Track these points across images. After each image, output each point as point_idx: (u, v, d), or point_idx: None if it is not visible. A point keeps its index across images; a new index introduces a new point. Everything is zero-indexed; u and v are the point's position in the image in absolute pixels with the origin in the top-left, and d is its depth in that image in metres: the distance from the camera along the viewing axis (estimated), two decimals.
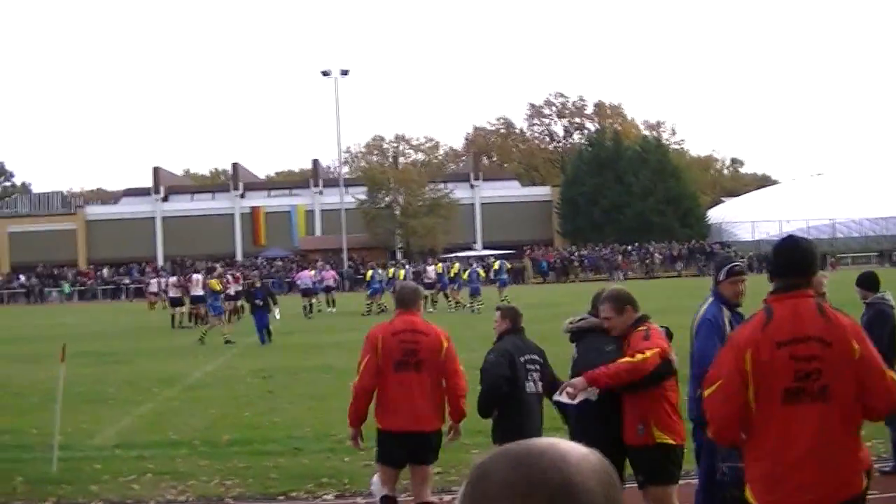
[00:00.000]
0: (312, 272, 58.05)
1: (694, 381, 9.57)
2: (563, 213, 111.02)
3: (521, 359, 10.64)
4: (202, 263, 74.55)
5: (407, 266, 68.41)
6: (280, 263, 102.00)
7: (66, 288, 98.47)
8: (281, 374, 26.56)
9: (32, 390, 24.22)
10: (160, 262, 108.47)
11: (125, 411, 20.85)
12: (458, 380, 10.71)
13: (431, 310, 48.08)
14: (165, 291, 54.93)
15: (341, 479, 13.98)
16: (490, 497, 2.01)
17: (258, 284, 40.96)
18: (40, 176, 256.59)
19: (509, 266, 61.82)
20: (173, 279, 52.48)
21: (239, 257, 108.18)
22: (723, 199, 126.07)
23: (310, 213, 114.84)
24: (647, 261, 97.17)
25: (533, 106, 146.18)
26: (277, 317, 39.93)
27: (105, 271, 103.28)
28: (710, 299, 9.94)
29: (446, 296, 54.32)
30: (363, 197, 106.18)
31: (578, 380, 9.16)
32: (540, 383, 10.75)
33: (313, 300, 54.01)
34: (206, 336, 37.67)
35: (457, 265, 56.71)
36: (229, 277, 48.62)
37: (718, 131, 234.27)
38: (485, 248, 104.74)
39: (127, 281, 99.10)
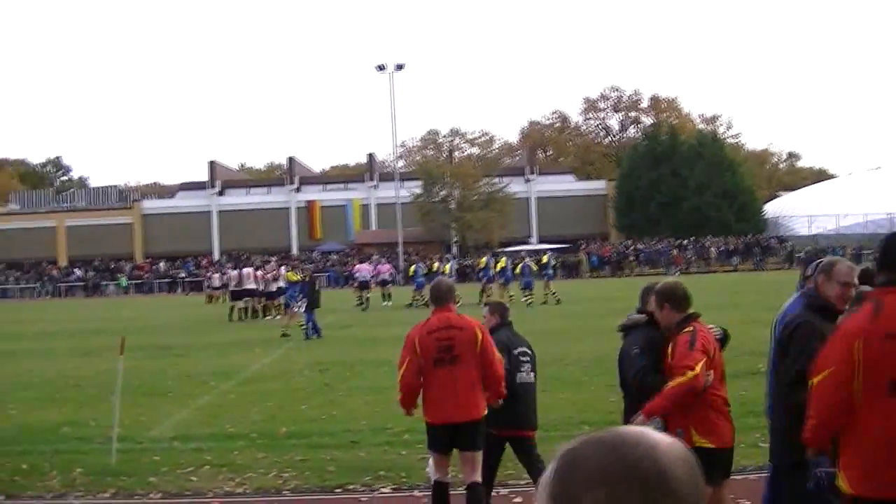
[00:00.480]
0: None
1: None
2: (618, 208, 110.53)
3: (515, 351, 11.71)
4: (258, 257, 74.95)
5: (452, 260, 68.12)
6: (335, 257, 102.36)
7: (123, 281, 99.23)
8: (338, 367, 26.63)
9: (91, 383, 24.43)
10: (216, 255, 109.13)
11: (183, 404, 20.98)
12: (496, 368, 10.96)
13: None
14: (226, 285, 54.83)
15: (398, 472, 14.00)
16: (581, 483, 2.01)
17: (306, 279, 38.93)
18: (97, 170, 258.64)
19: (555, 262, 60.98)
20: (234, 273, 52.53)
21: (294, 251, 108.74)
22: (779, 193, 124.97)
23: (365, 207, 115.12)
24: (691, 256, 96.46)
25: (588, 100, 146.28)
26: (297, 310, 38.61)
27: (161, 265, 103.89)
28: (796, 295, 9.76)
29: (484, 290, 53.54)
30: (419, 191, 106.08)
31: (639, 419, 9.10)
32: (532, 373, 11.80)
33: (369, 294, 54.13)
34: (287, 329, 37.80)
35: (503, 259, 56.14)
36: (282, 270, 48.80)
37: (775, 125, 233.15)
38: (540, 242, 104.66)
39: (183, 274, 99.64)
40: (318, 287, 38.81)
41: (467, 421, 10.88)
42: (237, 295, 49.07)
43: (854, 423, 6.43)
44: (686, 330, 9.11)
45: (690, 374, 8.73)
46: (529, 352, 11.87)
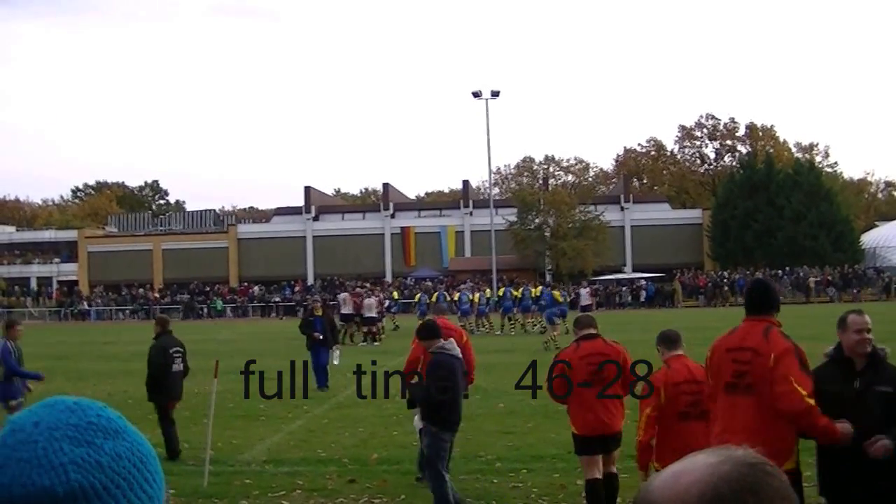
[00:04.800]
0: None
1: None
2: (713, 237, 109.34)
3: (171, 350, 18.43)
4: (350, 283, 75.14)
5: (488, 289, 68.79)
6: (429, 284, 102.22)
7: (218, 305, 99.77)
8: None
9: (185, 405, 24.45)
10: (310, 280, 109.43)
11: (275, 428, 21.05)
12: (472, 360, 17.49)
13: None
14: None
15: (489, 500, 13.92)
16: None
17: (318, 313, 33.19)
18: (194, 194, 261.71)
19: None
20: (345, 295, 52.71)
21: (388, 277, 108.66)
22: (877, 223, 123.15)
23: (459, 234, 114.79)
24: (788, 286, 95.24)
25: (684, 128, 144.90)
26: (336, 361, 33.86)
27: (256, 289, 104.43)
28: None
29: (509, 318, 55.61)
30: (513, 218, 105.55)
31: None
32: (182, 364, 18.61)
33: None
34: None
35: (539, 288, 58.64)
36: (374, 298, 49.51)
37: (873, 154, 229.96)
38: (634, 270, 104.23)
39: (277, 299, 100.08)
40: (334, 324, 35.26)
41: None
42: (348, 317, 49.30)
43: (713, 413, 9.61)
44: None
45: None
46: (182, 350, 18.68)
